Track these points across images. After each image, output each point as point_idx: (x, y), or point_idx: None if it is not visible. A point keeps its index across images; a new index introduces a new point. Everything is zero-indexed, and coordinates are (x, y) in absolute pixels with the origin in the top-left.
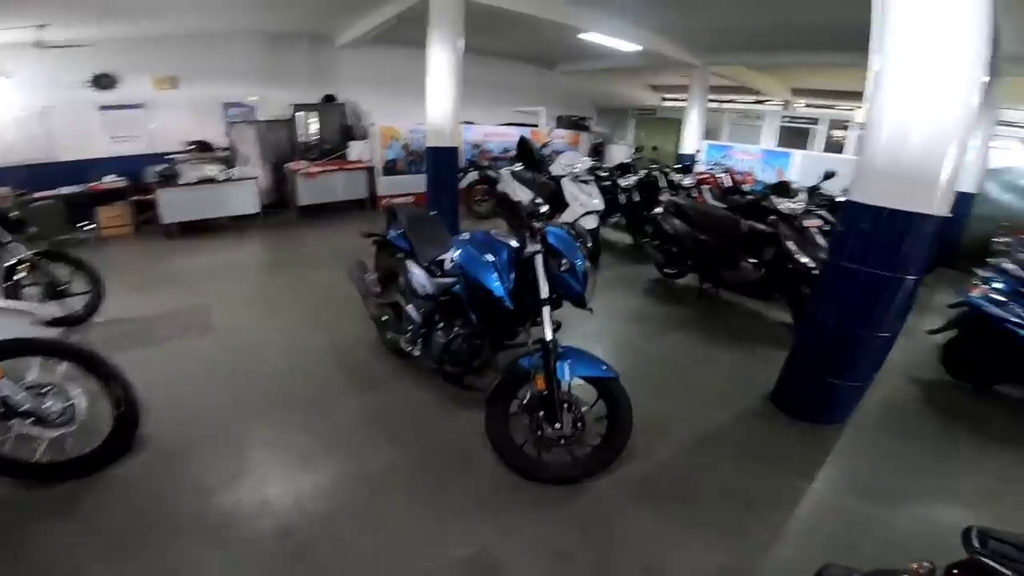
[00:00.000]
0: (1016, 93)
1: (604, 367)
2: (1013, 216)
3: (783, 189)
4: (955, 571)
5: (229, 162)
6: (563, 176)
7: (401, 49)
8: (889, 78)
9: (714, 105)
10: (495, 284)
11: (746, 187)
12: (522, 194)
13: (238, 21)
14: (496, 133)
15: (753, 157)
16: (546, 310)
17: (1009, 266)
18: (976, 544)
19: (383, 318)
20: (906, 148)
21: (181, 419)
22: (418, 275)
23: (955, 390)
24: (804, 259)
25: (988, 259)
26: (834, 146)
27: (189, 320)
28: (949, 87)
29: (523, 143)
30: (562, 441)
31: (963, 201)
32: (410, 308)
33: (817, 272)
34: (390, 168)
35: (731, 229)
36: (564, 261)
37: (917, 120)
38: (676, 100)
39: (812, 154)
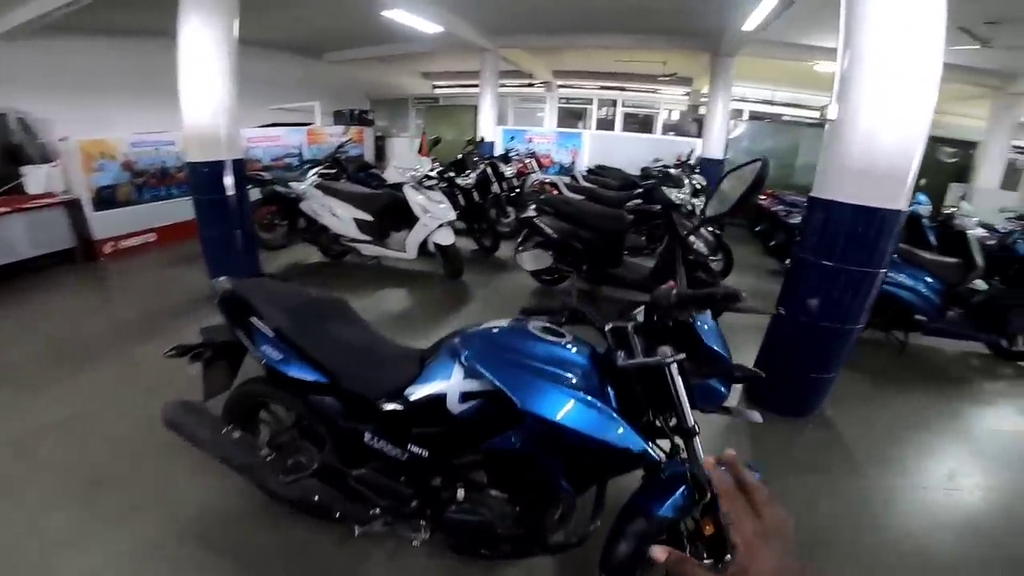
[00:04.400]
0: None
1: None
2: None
3: (671, 179)
4: None
5: None
6: (403, 183)
7: (92, 40)
8: (859, 80)
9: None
10: (630, 438)
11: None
12: (341, 211)
13: None
14: (261, 137)
15: (548, 140)
16: (697, 441)
17: None
18: None
19: (315, 498)
20: (879, 148)
21: None
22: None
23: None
24: (702, 247)
25: None
26: (606, 124)
27: None
28: (917, 90)
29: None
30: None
31: (714, 166)
32: (372, 474)
33: (714, 259)
34: (107, 198)
35: (616, 224)
36: (715, 366)
37: (889, 121)
38: (450, 87)
39: (598, 133)
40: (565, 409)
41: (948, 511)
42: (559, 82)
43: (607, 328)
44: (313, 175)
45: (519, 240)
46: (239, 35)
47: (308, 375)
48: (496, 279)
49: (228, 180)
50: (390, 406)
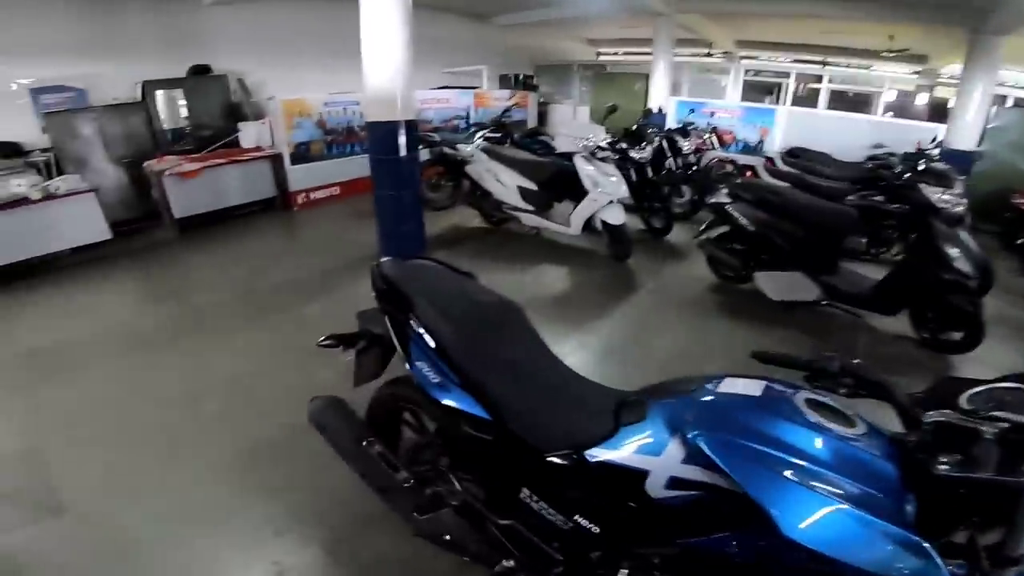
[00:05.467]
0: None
1: None
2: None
3: (934, 174)
4: None
5: (53, 167)
6: (575, 153)
7: (292, 3)
8: None
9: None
10: None
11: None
12: (505, 177)
13: None
14: (432, 99)
15: (732, 115)
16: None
17: None
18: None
19: (447, 536)
20: None
21: None
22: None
23: None
24: (965, 265)
25: None
26: (805, 101)
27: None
28: None
29: None
30: None
31: (964, 159)
32: (521, 528)
33: (975, 283)
34: (302, 154)
35: (838, 221)
36: None
37: None
38: (615, 55)
39: (796, 110)
40: (849, 539)
41: None
42: (742, 52)
43: (928, 421)
44: (479, 138)
45: (702, 227)
46: None
47: (467, 406)
48: (667, 267)
49: (402, 140)
50: (563, 465)
